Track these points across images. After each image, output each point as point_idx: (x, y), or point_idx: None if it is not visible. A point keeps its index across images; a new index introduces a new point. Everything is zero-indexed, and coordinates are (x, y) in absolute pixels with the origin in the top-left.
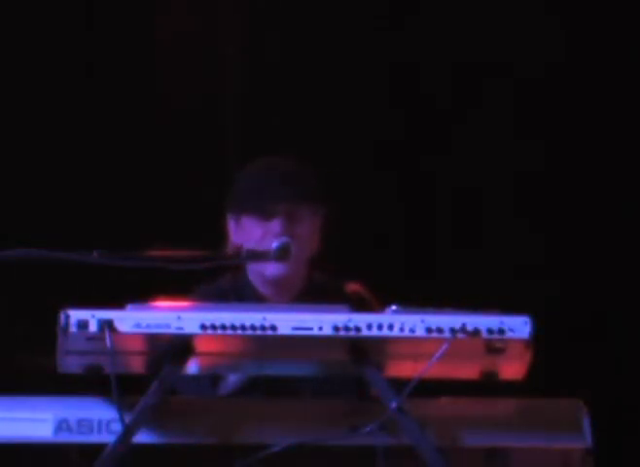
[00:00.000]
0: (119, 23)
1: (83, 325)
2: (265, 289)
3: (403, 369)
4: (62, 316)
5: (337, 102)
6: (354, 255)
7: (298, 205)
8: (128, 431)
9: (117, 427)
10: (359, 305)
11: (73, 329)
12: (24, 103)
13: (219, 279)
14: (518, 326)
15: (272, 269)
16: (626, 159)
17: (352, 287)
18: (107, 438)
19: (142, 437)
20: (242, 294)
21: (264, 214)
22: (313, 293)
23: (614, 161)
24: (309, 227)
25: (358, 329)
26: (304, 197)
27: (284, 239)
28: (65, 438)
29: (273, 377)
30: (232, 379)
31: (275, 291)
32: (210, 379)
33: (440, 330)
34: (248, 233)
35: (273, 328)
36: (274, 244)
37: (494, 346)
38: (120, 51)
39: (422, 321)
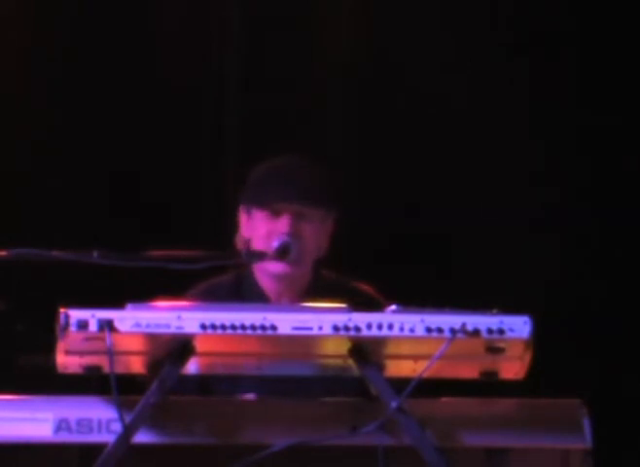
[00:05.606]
0: (118, 23)
1: (83, 325)
2: (270, 286)
3: (403, 369)
4: (62, 316)
5: (336, 101)
6: (354, 254)
7: (306, 206)
8: (128, 431)
9: (117, 427)
10: (368, 306)
11: (73, 329)
12: (22, 102)
13: (221, 276)
14: (518, 326)
15: (276, 266)
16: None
17: (362, 287)
18: (107, 438)
19: (142, 437)
20: (244, 291)
21: (271, 211)
22: (320, 292)
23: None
24: (317, 228)
25: (358, 329)
26: (313, 198)
27: (285, 239)
28: (65, 438)
29: (285, 376)
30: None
31: (280, 288)
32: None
33: (440, 330)
34: (257, 227)
35: (273, 328)
36: (274, 244)
37: (494, 346)
38: (119, 50)
39: (422, 321)
